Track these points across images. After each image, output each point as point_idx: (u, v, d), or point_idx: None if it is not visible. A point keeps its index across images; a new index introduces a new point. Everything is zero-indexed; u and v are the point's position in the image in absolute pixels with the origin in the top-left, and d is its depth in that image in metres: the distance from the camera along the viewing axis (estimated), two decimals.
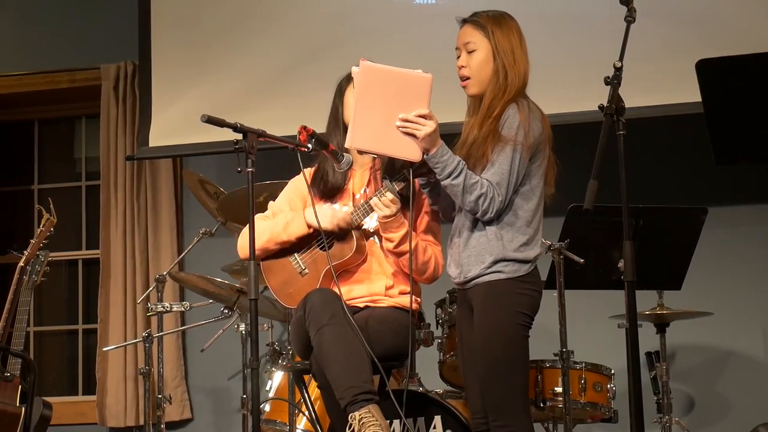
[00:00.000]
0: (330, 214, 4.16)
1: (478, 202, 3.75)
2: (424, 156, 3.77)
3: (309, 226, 4.18)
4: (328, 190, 4.27)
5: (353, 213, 4.15)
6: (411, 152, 3.77)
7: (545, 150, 3.87)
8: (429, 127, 3.73)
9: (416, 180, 4.00)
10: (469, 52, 3.90)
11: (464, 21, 3.96)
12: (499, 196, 3.75)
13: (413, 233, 4.07)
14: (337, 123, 4.29)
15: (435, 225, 4.24)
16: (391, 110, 3.74)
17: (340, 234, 4.16)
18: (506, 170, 3.76)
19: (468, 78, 3.90)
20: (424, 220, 4.22)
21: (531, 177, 3.84)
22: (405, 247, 4.08)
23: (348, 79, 4.30)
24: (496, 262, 3.79)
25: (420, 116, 3.73)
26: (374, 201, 4.05)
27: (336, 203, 4.27)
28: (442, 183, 3.80)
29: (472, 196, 3.75)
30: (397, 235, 4.08)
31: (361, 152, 4.10)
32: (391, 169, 4.13)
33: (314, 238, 4.22)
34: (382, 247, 4.20)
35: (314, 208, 4.10)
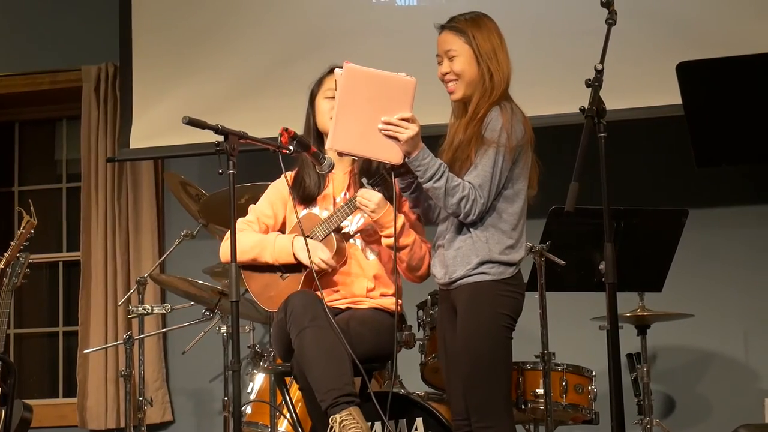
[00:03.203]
0: (318, 249, 4.13)
1: (460, 204, 3.75)
2: (406, 159, 3.77)
3: (296, 258, 4.16)
4: (306, 195, 4.27)
5: (333, 215, 4.14)
6: (392, 155, 3.77)
7: (528, 152, 3.87)
8: (411, 130, 3.73)
9: (396, 183, 3.99)
10: (451, 59, 3.89)
11: (442, 27, 3.95)
12: (481, 198, 3.76)
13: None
14: (309, 131, 4.29)
15: (419, 224, 4.22)
16: (373, 112, 3.73)
17: (320, 236, 4.15)
18: (488, 172, 3.76)
19: (453, 83, 3.90)
20: (409, 219, 4.20)
21: (514, 180, 3.84)
22: (403, 240, 4.06)
23: (319, 84, 4.30)
24: (481, 264, 3.79)
25: (402, 119, 3.73)
26: (359, 200, 4.04)
27: (316, 207, 4.26)
28: (423, 186, 3.80)
29: (454, 198, 3.75)
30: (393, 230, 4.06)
31: (341, 154, 4.09)
32: (368, 170, 4.12)
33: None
34: (363, 249, 4.20)
35: (307, 244, 4.05)
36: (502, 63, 3.88)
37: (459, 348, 3.83)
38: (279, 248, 4.19)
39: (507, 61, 3.90)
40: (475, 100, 3.87)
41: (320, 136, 4.26)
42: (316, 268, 4.07)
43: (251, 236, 4.22)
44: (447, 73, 3.91)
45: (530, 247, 4.51)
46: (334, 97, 4.14)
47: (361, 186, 4.07)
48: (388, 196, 4.04)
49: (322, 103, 4.24)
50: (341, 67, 3.76)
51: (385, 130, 3.74)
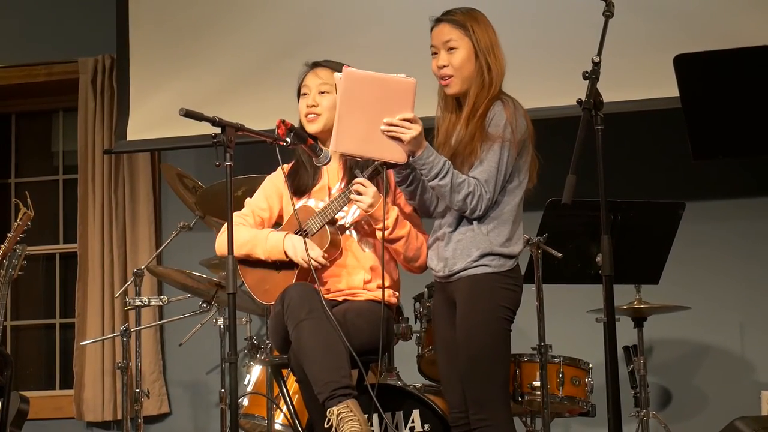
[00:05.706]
0: (304, 248, 4.10)
1: (466, 200, 3.75)
2: (410, 159, 3.76)
3: (287, 255, 4.15)
4: (300, 187, 4.26)
5: (327, 207, 4.12)
6: (396, 155, 3.76)
7: (529, 146, 3.87)
8: (414, 130, 3.71)
9: (391, 176, 3.98)
10: (450, 51, 3.87)
11: (438, 20, 3.94)
12: (487, 194, 3.75)
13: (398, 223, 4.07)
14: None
15: (415, 216, 4.21)
16: (375, 115, 3.72)
17: (315, 229, 4.13)
18: (494, 168, 3.76)
19: (450, 77, 3.89)
20: (404, 211, 4.19)
21: (518, 173, 3.84)
22: (397, 232, 4.06)
23: (298, 82, 4.31)
24: (482, 256, 3.79)
25: (405, 120, 3.72)
26: (353, 195, 4.03)
27: (311, 199, 4.25)
28: (429, 184, 3.80)
29: (460, 195, 3.74)
30: (388, 222, 4.05)
31: (345, 156, 4.09)
32: (361, 162, 4.10)
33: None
34: (358, 241, 4.19)
35: (306, 244, 4.05)
36: (499, 57, 3.88)
37: (458, 340, 3.82)
38: (271, 245, 4.17)
39: (502, 55, 3.89)
40: (472, 95, 3.86)
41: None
42: (305, 265, 4.07)
43: (245, 232, 4.20)
44: (444, 66, 3.89)
45: (527, 239, 4.51)
46: (306, 94, 4.25)
47: (353, 177, 4.06)
48: (381, 189, 4.03)
49: (299, 103, 4.28)
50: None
51: (387, 131, 3.73)
